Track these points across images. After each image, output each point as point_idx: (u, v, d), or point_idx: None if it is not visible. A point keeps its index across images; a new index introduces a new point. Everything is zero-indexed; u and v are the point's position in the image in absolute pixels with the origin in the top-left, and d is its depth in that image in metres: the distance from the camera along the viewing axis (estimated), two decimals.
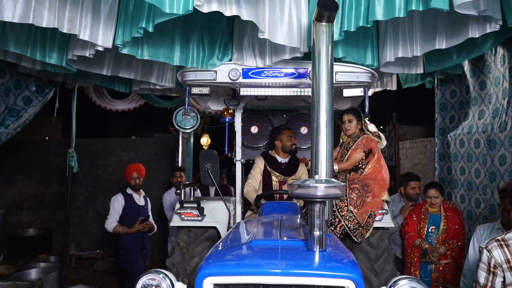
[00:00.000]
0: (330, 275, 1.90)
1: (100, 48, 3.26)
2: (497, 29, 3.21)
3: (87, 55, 3.46)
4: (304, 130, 4.83)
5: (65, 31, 3.05)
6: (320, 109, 2.06)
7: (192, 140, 9.09)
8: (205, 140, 9.42)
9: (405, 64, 4.29)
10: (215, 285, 1.93)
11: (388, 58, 3.67)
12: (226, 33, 3.87)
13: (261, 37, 3.12)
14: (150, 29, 2.94)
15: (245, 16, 2.86)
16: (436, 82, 5.99)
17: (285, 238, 2.30)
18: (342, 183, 1.95)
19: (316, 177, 2.05)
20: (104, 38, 3.17)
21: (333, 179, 2.00)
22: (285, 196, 4.12)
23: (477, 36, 3.32)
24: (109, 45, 3.21)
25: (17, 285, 4.13)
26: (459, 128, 5.59)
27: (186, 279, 3.65)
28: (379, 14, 2.89)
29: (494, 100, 4.99)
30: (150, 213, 5.56)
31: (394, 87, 5.71)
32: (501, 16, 3.11)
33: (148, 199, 5.66)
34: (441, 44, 3.56)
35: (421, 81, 5.73)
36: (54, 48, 3.71)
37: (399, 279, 2.02)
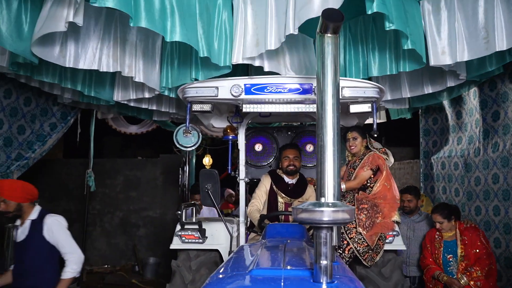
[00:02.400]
0: None
1: (156, 92, 4.07)
2: (464, 80, 4.13)
3: (147, 96, 4.36)
4: (309, 147, 4.72)
5: (125, 74, 3.88)
6: (326, 126, 1.92)
7: (194, 161, 9.80)
8: (207, 160, 10.09)
9: (394, 101, 5.16)
10: None
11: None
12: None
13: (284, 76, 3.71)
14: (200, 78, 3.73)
15: (267, 68, 3.61)
16: (420, 111, 6.89)
17: (288, 267, 2.16)
18: (352, 207, 1.87)
19: (322, 199, 1.90)
20: (155, 82, 4.04)
21: (341, 202, 1.92)
22: (291, 218, 3.95)
23: (453, 85, 4.28)
24: (158, 88, 4.02)
25: None
26: (441, 152, 6.44)
27: None
28: (375, 71, 3.72)
29: (469, 128, 5.86)
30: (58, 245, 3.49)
31: (384, 119, 6.61)
32: (465, 71, 4.04)
33: (48, 223, 3.49)
34: (428, 89, 4.53)
35: (407, 113, 6.65)
36: (102, 86, 4.56)
37: None
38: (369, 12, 3.09)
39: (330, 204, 1.82)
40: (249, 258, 2.52)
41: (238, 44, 3.43)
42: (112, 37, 3.74)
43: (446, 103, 6.31)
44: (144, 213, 9.37)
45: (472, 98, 5.73)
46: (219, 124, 4.59)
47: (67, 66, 3.65)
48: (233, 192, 7.52)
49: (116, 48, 3.79)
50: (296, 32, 3.21)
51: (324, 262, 1.83)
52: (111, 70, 3.84)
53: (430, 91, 4.59)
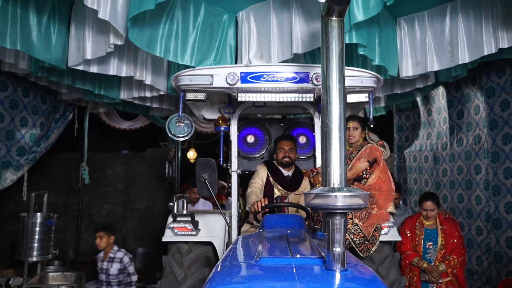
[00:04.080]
0: None
1: (162, 92, 4.62)
2: (433, 82, 4.94)
3: (148, 95, 4.92)
4: (302, 139, 4.66)
5: (137, 78, 4.44)
6: (331, 111, 1.90)
7: (179, 154, 10.30)
8: (191, 154, 10.60)
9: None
10: None
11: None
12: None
13: None
14: None
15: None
16: (394, 108, 7.66)
17: (298, 256, 2.13)
18: (366, 192, 1.82)
19: (335, 184, 1.87)
20: (162, 84, 4.59)
21: (354, 187, 1.91)
22: (286, 210, 3.92)
23: (421, 86, 5.05)
24: (165, 90, 4.57)
25: (65, 275, 5.22)
26: (412, 146, 7.22)
27: (183, 272, 3.65)
28: None
29: (437, 125, 6.65)
30: None
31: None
32: (434, 75, 4.83)
33: None
34: (398, 90, 5.25)
35: (383, 111, 7.42)
36: (110, 85, 5.10)
37: None
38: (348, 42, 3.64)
39: (344, 189, 1.82)
40: (252, 248, 2.45)
41: (244, 56, 3.98)
42: (125, 45, 4.26)
43: (418, 101, 7.08)
44: (132, 206, 9.83)
45: (440, 98, 6.52)
46: (210, 115, 4.64)
47: (91, 71, 4.25)
48: (225, 184, 7.64)
49: (130, 55, 4.35)
50: (300, 52, 3.83)
51: (337, 250, 1.81)
52: (124, 75, 4.39)
53: (399, 92, 5.36)
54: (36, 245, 5.03)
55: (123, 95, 5.20)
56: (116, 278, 4.93)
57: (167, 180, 9.66)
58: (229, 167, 4.15)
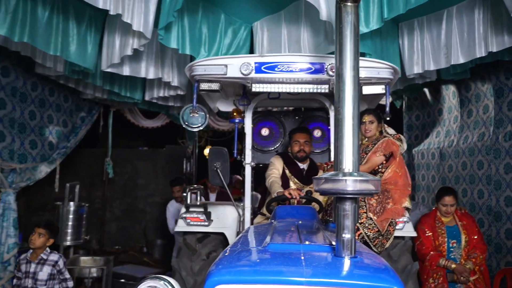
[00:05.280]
0: (368, 285, 1.73)
1: (179, 92, 5.23)
2: (434, 80, 5.50)
3: (167, 95, 5.48)
4: (317, 133, 4.68)
5: (165, 80, 5.04)
6: (345, 98, 1.89)
7: (197, 151, 10.89)
8: (208, 151, 11.14)
9: None
10: None
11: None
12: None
13: None
14: None
15: None
16: (404, 108, 8.07)
17: (307, 242, 2.15)
18: (377, 178, 1.79)
19: (346, 170, 1.84)
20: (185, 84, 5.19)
21: (365, 173, 1.87)
22: (295, 202, 3.83)
23: (420, 82, 5.68)
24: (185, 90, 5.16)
25: (94, 259, 5.86)
26: (421, 144, 7.62)
27: (192, 279, 3.67)
28: None
29: (447, 123, 7.05)
30: None
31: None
32: (435, 74, 5.36)
33: None
34: (401, 86, 5.88)
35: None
36: (134, 87, 5.73)
37: None
38: None
39: (355, 173, 1.81)
40: (262, 236, 2.45)
41: None
42: (154, 51, 4.84)
43: (429, 100, 7.48)
44: (151, 200, 10.44)
45: (451, 97, 6.94)
46: (225, 107, 4.72)
47: (124, 74, 4.87)
48: (240, 178, 8.17)
49: (158, 59, 4.92)
50: None
51: (347, 236, 1.82)
52: (153, 77, 4.94)
53: (402, 88, 6.04)
54: (69, 230, 5.69)
55: (147, 95, 5.79)
56: (45, 284, 4.26)
57: (185, 175, 10.22)
58: (243, 160, 4.21)
